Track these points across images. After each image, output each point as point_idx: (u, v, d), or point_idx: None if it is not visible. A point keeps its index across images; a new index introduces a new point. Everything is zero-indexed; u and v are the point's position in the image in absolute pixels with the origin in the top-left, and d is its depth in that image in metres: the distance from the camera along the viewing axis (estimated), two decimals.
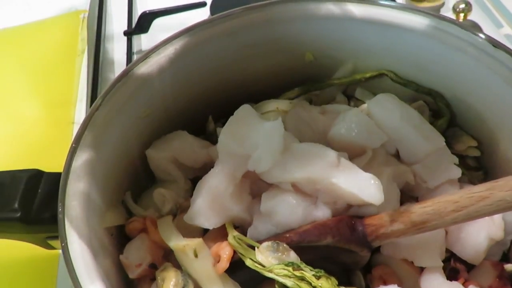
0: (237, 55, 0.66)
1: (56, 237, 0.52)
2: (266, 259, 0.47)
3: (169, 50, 0.61)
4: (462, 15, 0.97)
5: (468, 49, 0.57)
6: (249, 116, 0.53)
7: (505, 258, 0.58)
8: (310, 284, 0.45)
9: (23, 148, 0.83)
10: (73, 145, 0.52)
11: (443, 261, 0.54)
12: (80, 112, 0.89)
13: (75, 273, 0.45)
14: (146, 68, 0.59)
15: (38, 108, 0.90)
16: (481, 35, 0.56)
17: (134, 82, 0.58)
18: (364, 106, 0.65)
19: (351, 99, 0.71)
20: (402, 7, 0.61)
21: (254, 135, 0.52)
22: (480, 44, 0.56)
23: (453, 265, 0.55)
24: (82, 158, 0.52)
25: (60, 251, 0.67)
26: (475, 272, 0.55)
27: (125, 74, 0.58)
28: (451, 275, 0.54)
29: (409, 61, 0.64)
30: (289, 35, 0.66)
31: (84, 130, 0.53)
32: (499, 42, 0.56)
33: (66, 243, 0.46)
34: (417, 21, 0.60)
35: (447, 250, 0.55)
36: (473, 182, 0.61)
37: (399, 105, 0.59)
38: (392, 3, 0.62)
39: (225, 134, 0.53)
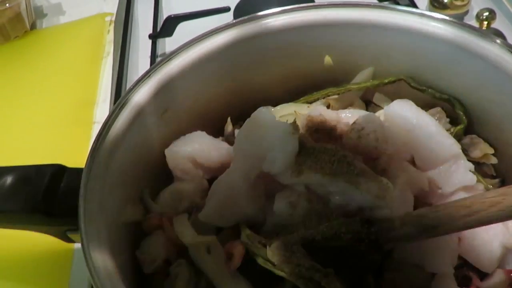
0: (257, 59, 0.67)
1: (76, 230, 0.54)
2: (277, 258, 0.48)
3: (191, 53, 0.62)
4: (485, 23, 0.96)
5: (487, 56, 0.57)
6: (265, 118, 0.54)
7: None
8: (319, 284, 0.46)
9: (47, 144, 0.86)
10: (95, 142, 0.54)
11: (456, 268, 0.54)
12: (103, 112, 0.91)
13: (94, 265, 0.46)
14: (168, 69, 0.61)
15: (63, 107, 0.93)
16: (499, 41, 0.56)
17: (155, 83, 0.60)
18: (382, 111, 0.65)
19: (369, 104, 0.71)
20: (423, 14, 0.62)
21: (269, 137, 0.52)
22: (500, 51, 0.56)
23: (466, 273, 0.54)
24: (103, 155, 0.54)
25: (76, 245, 0.69)
26: (488, 280, 0.54)
27: (147, 75, 0.60)
28: (463, 283, 0.54)
29: (428, 67, 0.65)
30: (309, 40, 0.67)
31: (106, 129, 0.55)
32: None
33: (85, 236, 0.47)
34: (437, 27, 0.61)
35: (460, 258, 0.55)
36: (489, 189, 0.60)
37: (415, 111, 0.59)
38: (413, 10, 0.63)
39: (241, 135, 0.54)
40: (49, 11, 1.20)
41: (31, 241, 0.68)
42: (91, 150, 0.54)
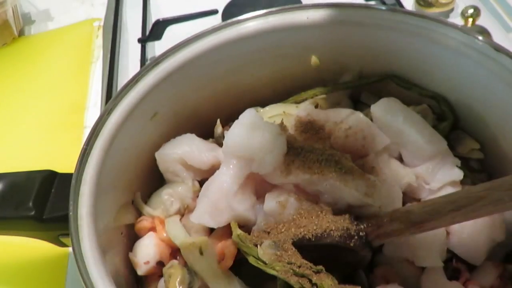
0: (245, 61, 0.68)
1: (68, 235, 0.54)
2: (268, 257, 0.48)
3: (178, 56, 0.63)
4: (470, 20, 0.98)
5: (470, 53, 0.58)
6: (253, 119, 0.55)
7: (508, 259, 0.58)
8: (310, 281, 0.47)
9: (38, 150, 0.86)
10: (85, 147, 0.54)
11: (445, 262, 0.55)
12: (93, 117, 0.91)
13: (86, 269, 0.46)
14: (156, 73, 0.61)
15: (53, 112, 0.93)
16: (481, 38, 0.57)
17: (143, 87, 0.60)
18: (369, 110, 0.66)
19: (357, 103, 0.72)
20: (406, 12, 0.63)
21: (257, 138, 0.53)
22: (482, 48, 0.57)
23: (455, 265, 0.55)
24: (93, 159, 0.54)
25: (71, 249, 0.70)
26: (477, 272, 0.55)
27: (135, 79, 0.60)
28: (453, 275, 0.55)
29: (413, 66, 0.65)
30: (296, 41, 0.67)
31: (95, 133, 0.55)
32: (501, 46, 0.56)
33: (77, 240, 0.48)
34: (421, 26, 0.61)
35: (449, 251, 0.56)
36: (476, 184, 0.61)
37: (402, 109, 0.60)
38: (397, 8, 0.63)
39: (229, 137, 0.55)
40: (37, 17, 1.20)
41: (26, 247, 0.68)
42: (80, 154, 0.54)
